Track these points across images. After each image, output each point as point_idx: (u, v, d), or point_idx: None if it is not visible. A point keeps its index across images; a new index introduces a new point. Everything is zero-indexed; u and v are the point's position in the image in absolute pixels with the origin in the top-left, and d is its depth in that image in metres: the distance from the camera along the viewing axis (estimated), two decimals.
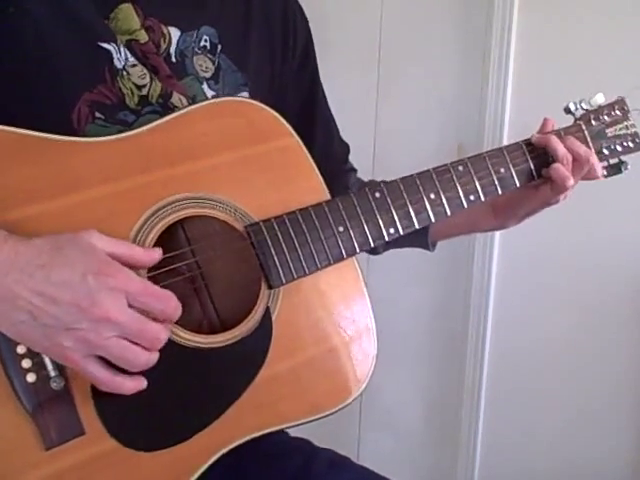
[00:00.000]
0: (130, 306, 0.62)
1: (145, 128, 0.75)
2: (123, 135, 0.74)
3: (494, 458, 1.86)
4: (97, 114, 0.77)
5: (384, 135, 1.79)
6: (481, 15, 1.65)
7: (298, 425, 0.79)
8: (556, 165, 0.91)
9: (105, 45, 0.78)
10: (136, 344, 0.63)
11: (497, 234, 1.72)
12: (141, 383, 0.66)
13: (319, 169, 0.85)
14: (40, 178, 0.68)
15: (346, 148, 1.11)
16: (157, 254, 0.68)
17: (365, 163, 1.79)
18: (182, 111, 0.77)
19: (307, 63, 1.00)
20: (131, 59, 0.80)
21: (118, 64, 0.79)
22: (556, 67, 1.59)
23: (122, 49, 0.79)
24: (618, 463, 1.72)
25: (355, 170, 1.11)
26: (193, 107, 0.78)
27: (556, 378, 1.74)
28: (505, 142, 1.66)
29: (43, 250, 0.60)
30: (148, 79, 0.81)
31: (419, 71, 1.74)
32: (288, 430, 0.91)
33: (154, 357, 0.65)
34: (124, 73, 0.79)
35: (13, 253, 0.59)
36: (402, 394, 1.91)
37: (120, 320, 0.60)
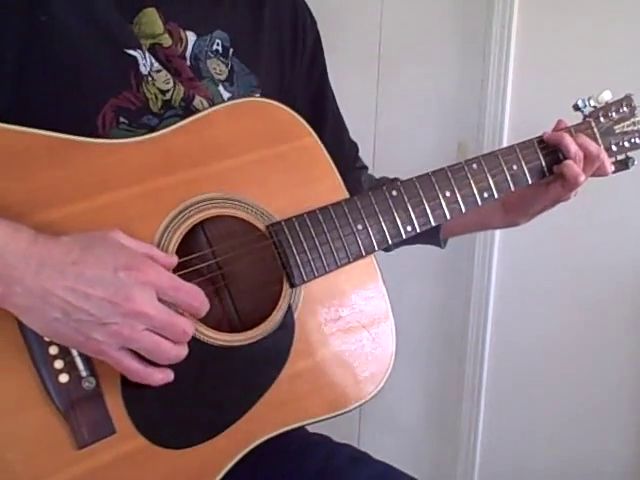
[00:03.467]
0: (159, 300, 0.63)
1: (168, 130, 0.76)
2: (146, 137, 0.75)
3: (494, 456, 1.86)
4: (121, 119, 0.78)
5: (384, 134, 1.79)
6: (481, 15, 1.65)
7: (320, 421, 0.81)
8: (568, 162, 0.92)
9: (131, 52, 0.79)
10: (165, 338, 0.64)
11: (497, 233, 1.72)
12: (169, 375, 0.67)
13: None
14: (67, 180, 0.69)
15: (355, 147, 1.12)
16: (174, 260, 0.70)
17: (365, 163, 1.79)
18: (203, 113, 0.79)
19: (316, 65, 1.01)
20: (156, 64, 0.81)
21: (144, 70, 0.80)
22: (556, 67, 1.59)
23: (147, 55, 0.80)
24: (618, 461, 1.73)
25: (366, 167, 1.12)
26: (214, 109, 0.80)
27: (556, 376, 1.75)
28: (505, 141, 1.66)
29: (73, 248, 0.61)
30: (172, 84, 0.82)
31: (419, 70, 1.74)
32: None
33: (184, 351, 0.66)
34: (149, 79, 0.80)
35: (45, 251, 0.60)
36: (402, 392, 1.92)
37: (152, 314, 0.62)
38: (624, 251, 1.62)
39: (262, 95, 0.91)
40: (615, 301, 1.65)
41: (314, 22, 1.01)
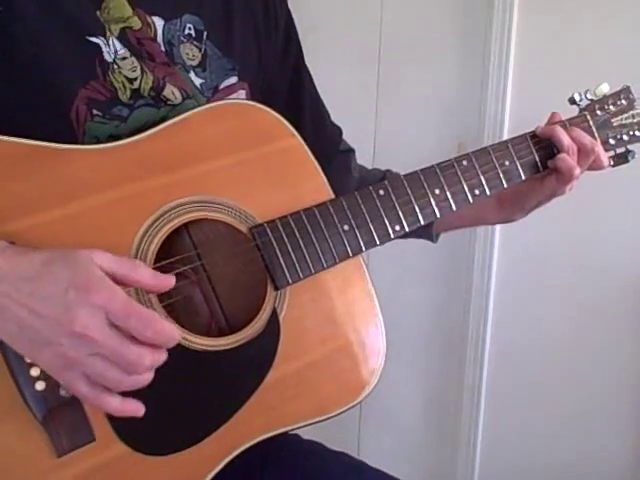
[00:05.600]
0: (113, 325, 0.59)
1: (145, 134, 0.74)
2: (122, 142, 0.73)
3: (494, 456, 1.86)
4: (95, 111, 0.76)
5: (384, 135, 1.79)
6: (481, 15, 1.65)
7: (307, 426, 0.79)
8: (562, 155, 0.90)
9: (93, 39, 0.77)
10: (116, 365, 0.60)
11: (497, 233, 1.72)
12: (136, 407, 0.63)
13: (312, 151, 0.85)
14: (39, 188, 0.67)
15: (338, 130, 1.09)
16: (168, 282, 0.64)
17: (365, 163, 1.78)
18: (181, 116, 0.77)
19: (291, 44, 0.99)
20: (121, 51, 0.79)
21: (108, 57, 0.78)
22: (556, 67, 1.59)
23: (112, 41, 0.78)
24: (618, 461, 1.73)
25: (353, 150, 1.09)
26: (192, 112, 0.78)
27: (556, 376, 1.74)
28: None
29: (34, 263, 0.59)
30: (139, 71, 0.80)
31: (419, 71, 1.74)
32: (299, 431, 0.91)
33: (142, 379, 0.62)
34: (114, 67, 0.78)
35: (7, 265, 0.59)
36: (402, 393, 1.91)
37: (97, 338, 0.58)
38: (624, 251, 1.62)
39: (240, 78, 0.89)
40: (615, 301, 1.65)
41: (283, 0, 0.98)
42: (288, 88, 0.99)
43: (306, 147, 0.84)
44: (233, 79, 0.89)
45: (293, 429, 0.79)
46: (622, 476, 1.73)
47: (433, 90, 1.74)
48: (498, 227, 1.70)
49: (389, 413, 1.94)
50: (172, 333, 0.61)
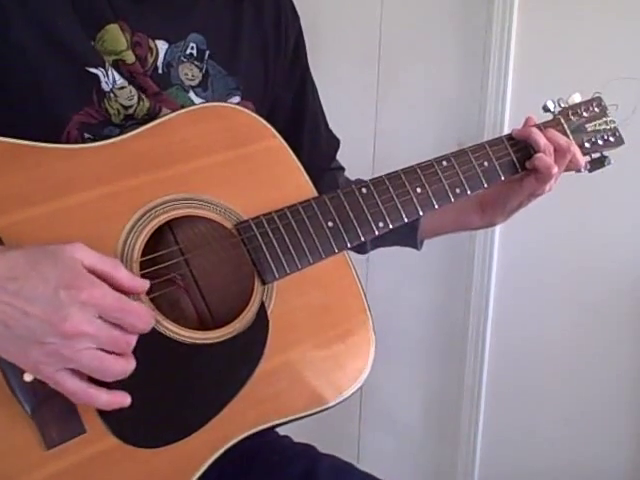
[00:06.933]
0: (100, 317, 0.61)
1: (132, 134, 0.77)
2: (110, 141, 0.75)
3: (494, 457, 1.86)
4: (86, 135, 0.78)
5: (384, 135, 1.79)
6: (481, 15, 1.65)
7: (299, 419, 0.79)
8: (539, 154, 0.93)
9: (93, 70, 0.79)
10: (108, 352, 0.62)
11: (497, 233, 1.72)
12: (123, 399, 0.64)
13: (307, 166, 0.87)
14: (29, 183, 0.68)
15: (334, 146, 1.11)
16: (143, 286, 0.67)
17: (365, 163, 1.78)
18: (167, 117, 0.80)
19: (298, 61, 1.01)
20: (120, 81, 0.81)
21: (106, 87, 0.80)
22: (556, 67, 1.59)
23: (110, 72, 0.80)
24: (618, 461, 1.72)
25: (343, 169, 1.12)
26: (177, 113, 0.80)
27: (556, 377, 1.74)
28: None
29: (18, 262, 0.60)
30: (136, 100, 0.82)
31: (419, 71, 1.74)
32: (291, 435, 0.92)
33: (131, 366, 0.64)
34: (111, 95, 0.80)
35: None
36: (402, 393, 1.91)
37: (92, 333, 0.60)
38: (624, 252, 1.62)
39: (243, 97, 0.91)
40: (615, 302, 1.65)
41: (296, 17, 1.00)
42: (292, 102, 1.01)
43: (287, 147, 0.86)
44: (236, 98, 0.91)
45: (291, 421, 0.79)
46: (622, 476, 1.73)
47: (433, 90, 1.74)
48: (498, 227, 1.70)
49: (389, 413, 1.94)
50: (150, 319, 0.64)
